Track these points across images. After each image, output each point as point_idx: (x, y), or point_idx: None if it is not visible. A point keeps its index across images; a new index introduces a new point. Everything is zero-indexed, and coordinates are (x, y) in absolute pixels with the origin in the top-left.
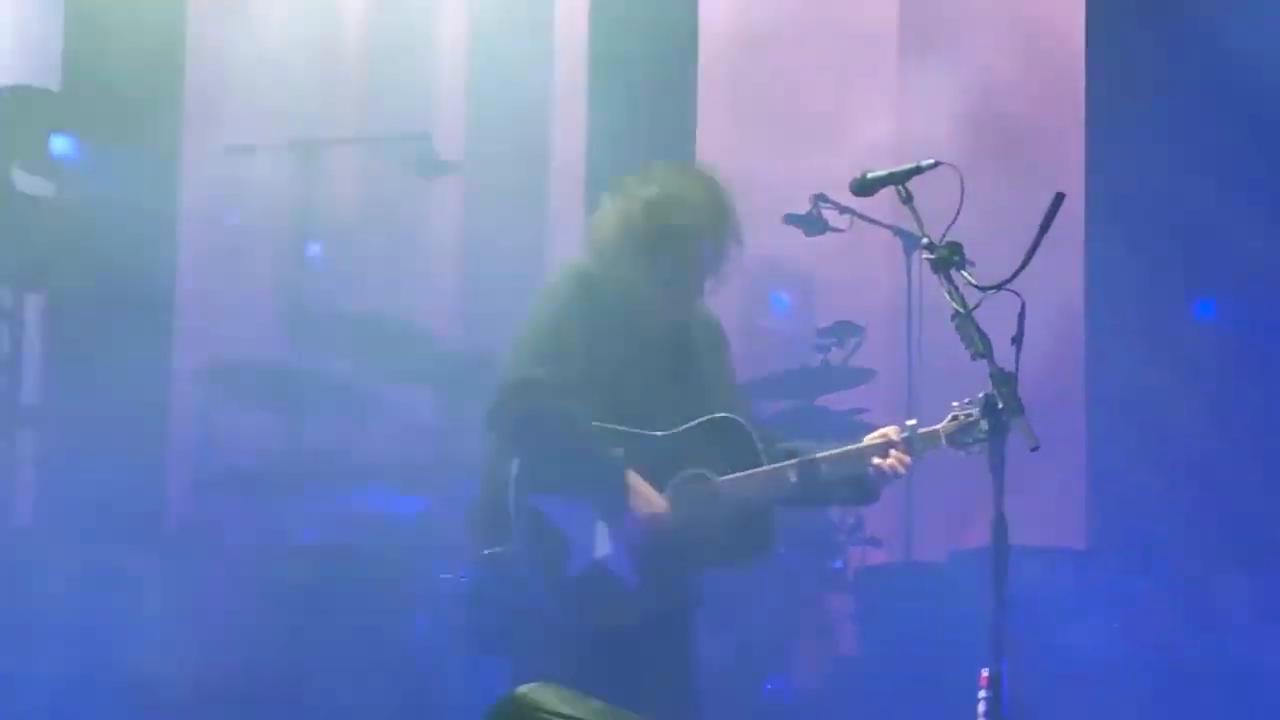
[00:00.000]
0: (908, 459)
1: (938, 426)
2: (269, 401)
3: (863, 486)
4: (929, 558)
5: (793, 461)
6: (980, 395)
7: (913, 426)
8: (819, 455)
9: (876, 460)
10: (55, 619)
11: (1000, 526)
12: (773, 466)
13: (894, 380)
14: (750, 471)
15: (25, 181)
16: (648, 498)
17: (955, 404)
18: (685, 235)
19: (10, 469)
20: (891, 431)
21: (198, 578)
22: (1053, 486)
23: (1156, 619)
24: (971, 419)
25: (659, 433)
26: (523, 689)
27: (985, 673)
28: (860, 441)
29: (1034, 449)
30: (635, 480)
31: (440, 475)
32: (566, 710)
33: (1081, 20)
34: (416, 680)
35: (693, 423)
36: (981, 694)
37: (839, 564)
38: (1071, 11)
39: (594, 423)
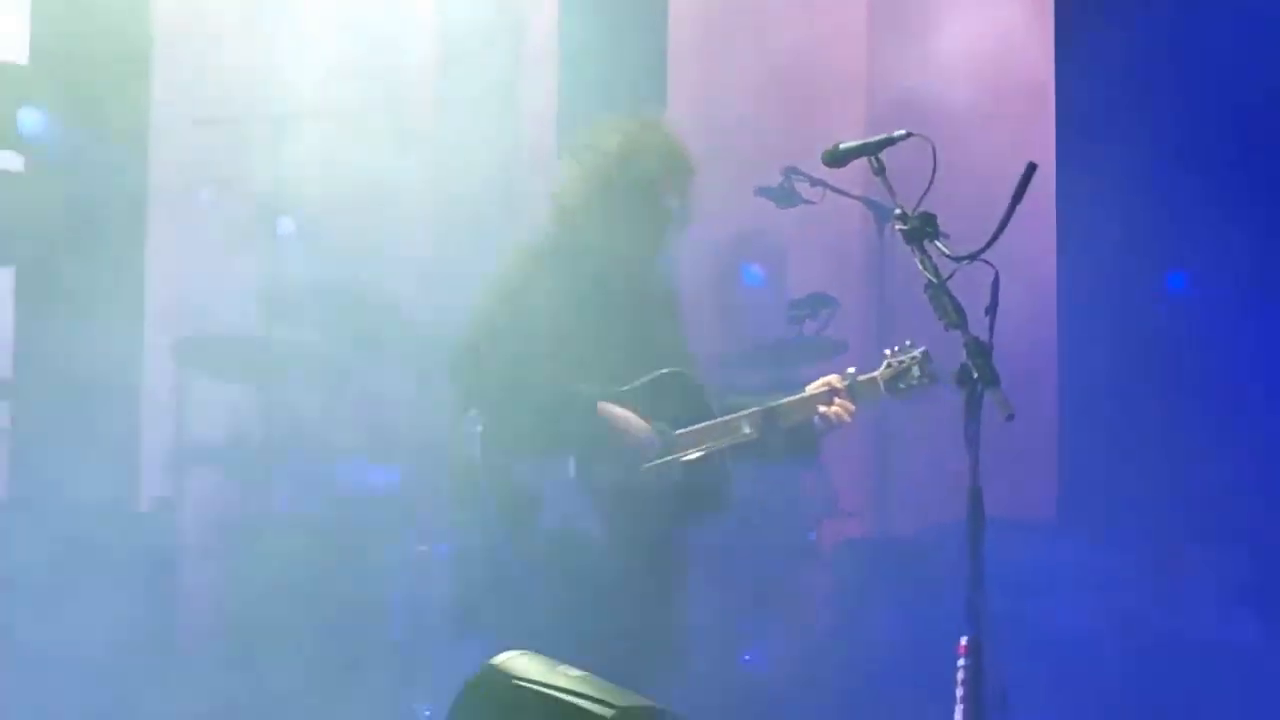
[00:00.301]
0: (851, 406)
1: (875, 373)
2: (241, 375)
3: (803, 443)
4: (903, 530)
5: (746, 412)
6: (907, 342)
7: (853, 374)
8: (770, 405)
9: (822, 408)
10: (27, 592)
11: (976, 499)
12: (728, 417)
13: (867, 351)
14: (707, 424)
15: None
16: (624, 418)
17: (887, 351)
18: (654, 183)
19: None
20: (834, 380)
21: (170, 551)
22: (1023, 458)
23: (1126, 591)
24: (904, 365)
25: (616, 388)
26: (500, 658)
27: (964, 641)
28: (805, 391)
29: (1009, 418)
30: (605, 407)
31: (413, 447)
32: (544, 679)
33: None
34: (394, 651)
35: (647, 377)
36: (961, 662)
37: (812, 536)
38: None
39: (560, 381)
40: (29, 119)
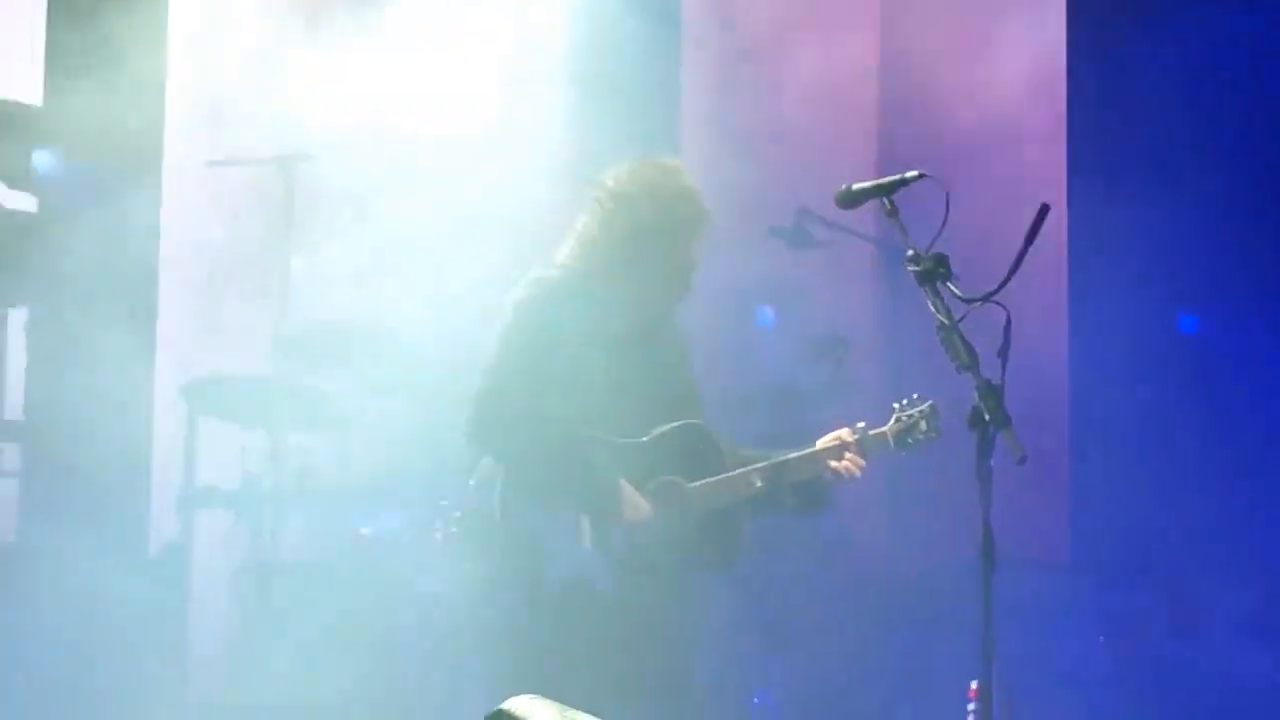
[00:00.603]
0: (862, 462)
1: (884, 428)
2: (251, 417)
3: (815, 495)
4: (914, 571)
5: (758, 465)
6: (915, 396)
7: (863, 429)
8: (780, 459)
9: (833, 463)
10: (41, 634)
11: (988, 539)
12: (739, 471)
13: (880, 392)
14: (720, 477)
15: (7, 197)
16: (635, 504)
17: (896, 405)
18: (676, 229)
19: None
20: (844, 434)
21: (181, 595)
22: (1037, 499)
23: (1140, 631)
24: (912, 419)
25: (631, 440)
26: (510, 703)
27: (974, 685)
28: (815, 446)
29: (1021, 461)
30: (624, 486)
31: (423, 489)
32: None
33: (1063, 36)
34: (404, 697)
35: (662, 429)
36: (971, 706)
37: (827, 576)
38: (1053, 27)
39: (577, 433)
40: (43, 160)
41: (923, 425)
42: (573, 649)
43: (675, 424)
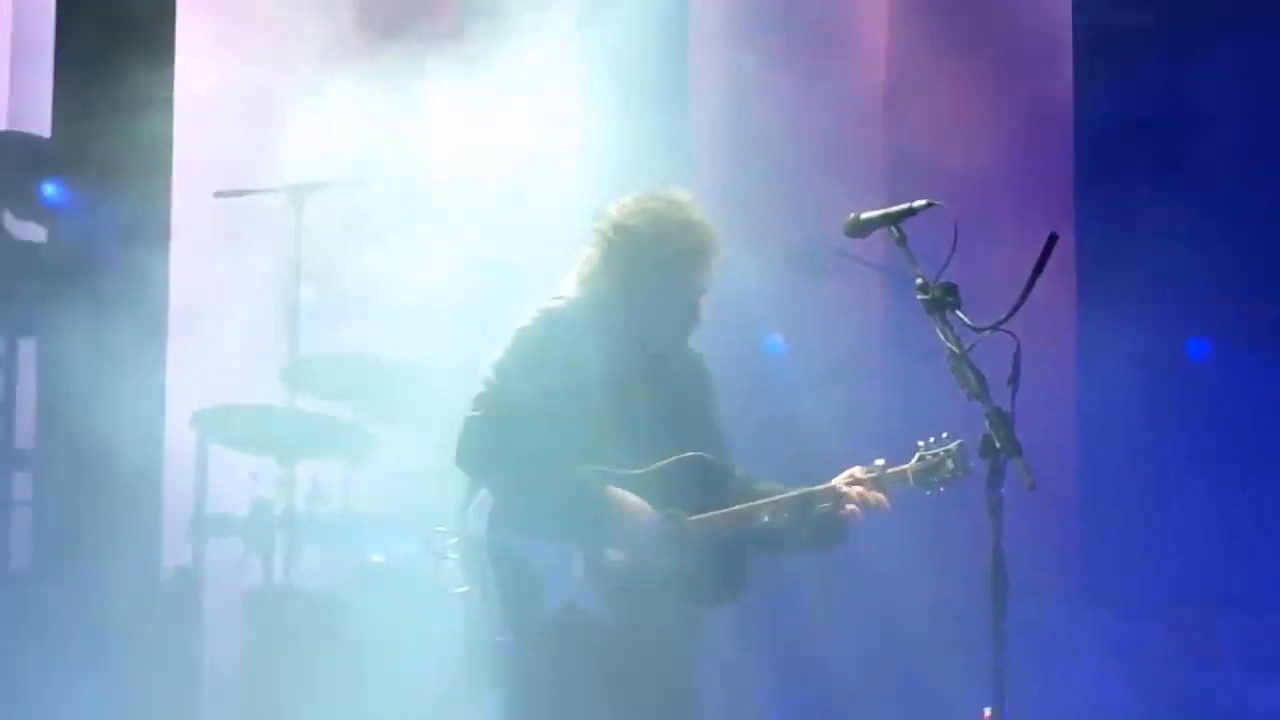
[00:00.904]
0: (884, 499)
1: (905, 466)
2: (261, 445)
3: (830, 530)
4: (927, 597)
5: (763, 502)
6: (944, 434)
7: (881, 466)
8: (787, 495)
9: (851, 506)
10: (53, 661)
11: (999, 566)
12: (743, 506)
13: (889, 422)
14: (722, 511)
15: (17, 227)
16: (631, 502)
17: (921, 443)
18: (681, 264)
19: (6, 514)
20: (858, 471)
21: (193, 621)
22: (1048, 527)
23: (1152, 660)
24: (938, 458)
25: (630, 471)
26: None
27: (988, 712)
28: (829, 483)
29: (1030, 488)
30: (612, 491)
31: (437, 518)
32: None
33: (1070, 67)
34: None
35: (664, 461)
36: None
37: (839, 603)
38: (1060, 59)
39: (569, 461)
40: (52, 190)
41: (949, 464)
42: (570, 681)
43: (679, 456)
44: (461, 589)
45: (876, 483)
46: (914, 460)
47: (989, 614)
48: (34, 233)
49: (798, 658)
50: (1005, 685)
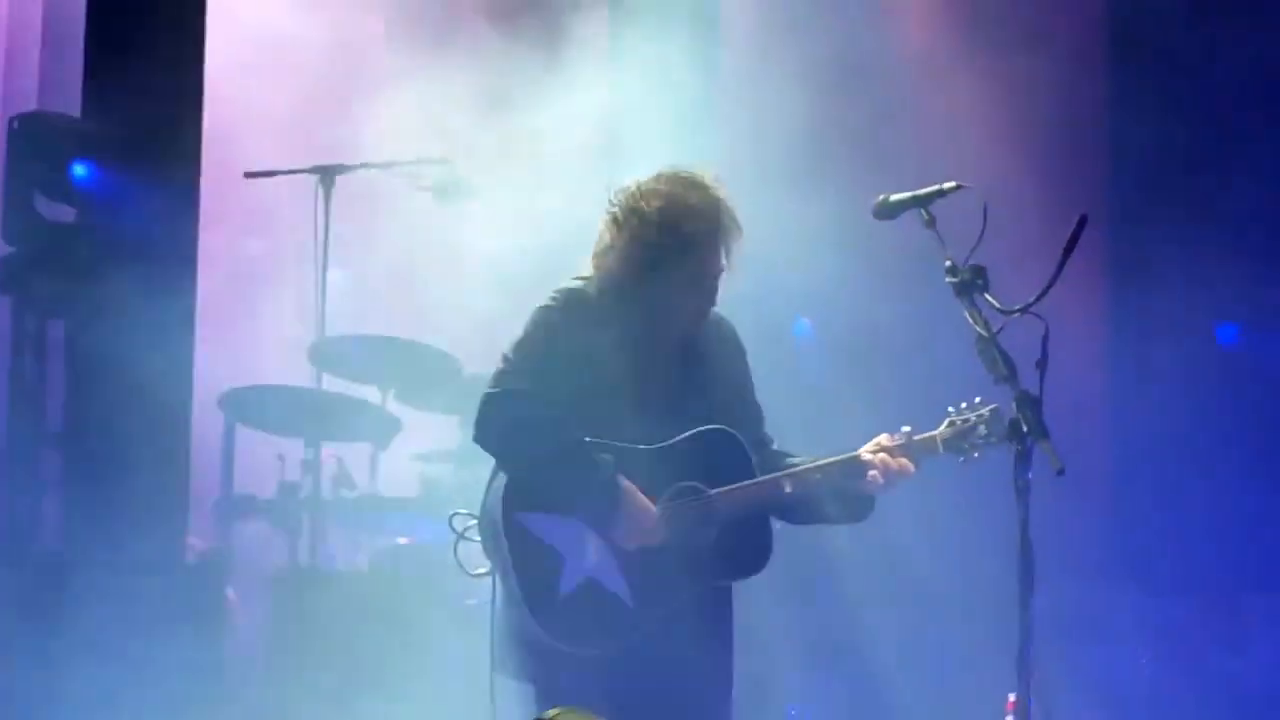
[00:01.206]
0: (908, 464)
1: (934, 432)
2: (289, 426)
3: (856, 501)
4: (952, 581)
5: (785, 472)
6: (977, 399)
7: (908, 433)
8: (812, 465)
9: (871, 472)
10: (81, 641)
11: (1026, 550)
12: (765, 478)
13: (913, 403)
14: (743, 483)
15: (47, 208)
16: (640, 504)
17: (951, 409)
18: (695, 246)
19: (36, 495)
20: (884, 439)
21: (219, 602)
22: (1075, 510)
23: (1181, 643)
24: (969, 423)
25: (646, 446)
26: (549, 714)
27: (1012, 697)
28: (856, 452)
29: (1060, 472)
30: (627, 486)
31: (461, 500)
32: None
33: (1103, 54)
34: (444, 705)
35: (683, 435)
36: (1008, 719)
37: (864, 588)
38: (1093, 50)
39: (585, 438)
40: (81, 171)
41: (981, 430)
42: (591, 659)
43: (699, 429)
44: (481, 570)
45: (903, 450)
46: (943, 426)
47: (1016, 598)
48: (64, 214)
49: (827, 640)
50: (1030, 672)
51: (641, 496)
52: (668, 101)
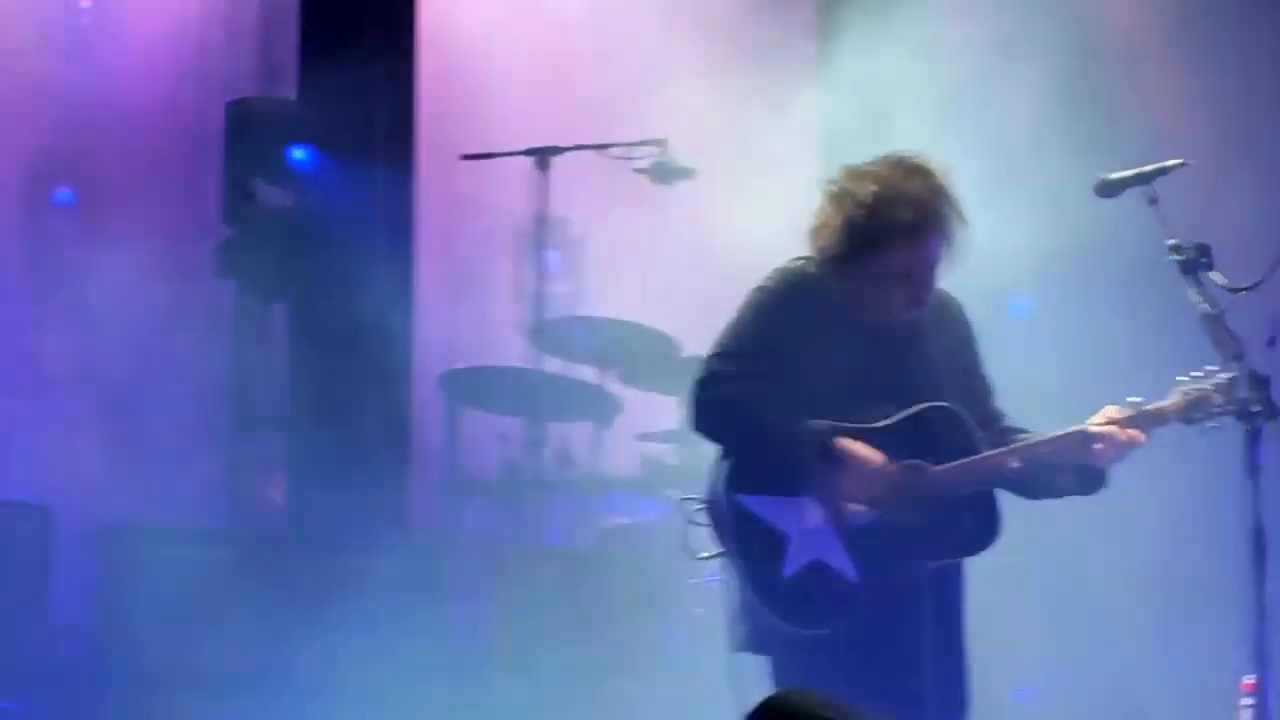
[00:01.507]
0: (1138, 434)
1: (1164, 403)
2: (510, 406)
3: (1088, 473)
4: (1183, 563)
5: (1011, 447)
6: (1206, 368)
7: (1137, 404)
8: (1038, 439)
9: (1098, 445)
10: (303, 623)
11: (1259, 532)
12: (991, 453)
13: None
14: (968, 460)
15: (266, 193)
16: (861, 451)
17: (1181, 378)
18: (909, 232)
19: (259, 476)
20: (1112, 410)
21: (442, 583)
22: None
23: None
24: (1203, 393)
25: (870, 425)
26: (780, 693)
27: (1248, 679)
28: (1084, 425)
29: None
30: (841, 441)
31: (684, 481)
32: (824, 715)
33: None
34: (670, 685)
35: (907, 412)
36: (1245, 701)
37: (1091, 570)
38: None
39: (800, 417)
40: (300, 156)
41: (1217, 399)
42: (822, 640)
43: (922, 406)
44: (708, 553)
45: (1131, 421)
46: (1174, 395)
47: (1249, 580)
48: (282, 198)
49: (1057, 623)
50: (1267, 653)
51: (860, 446)
52: (883, 87)
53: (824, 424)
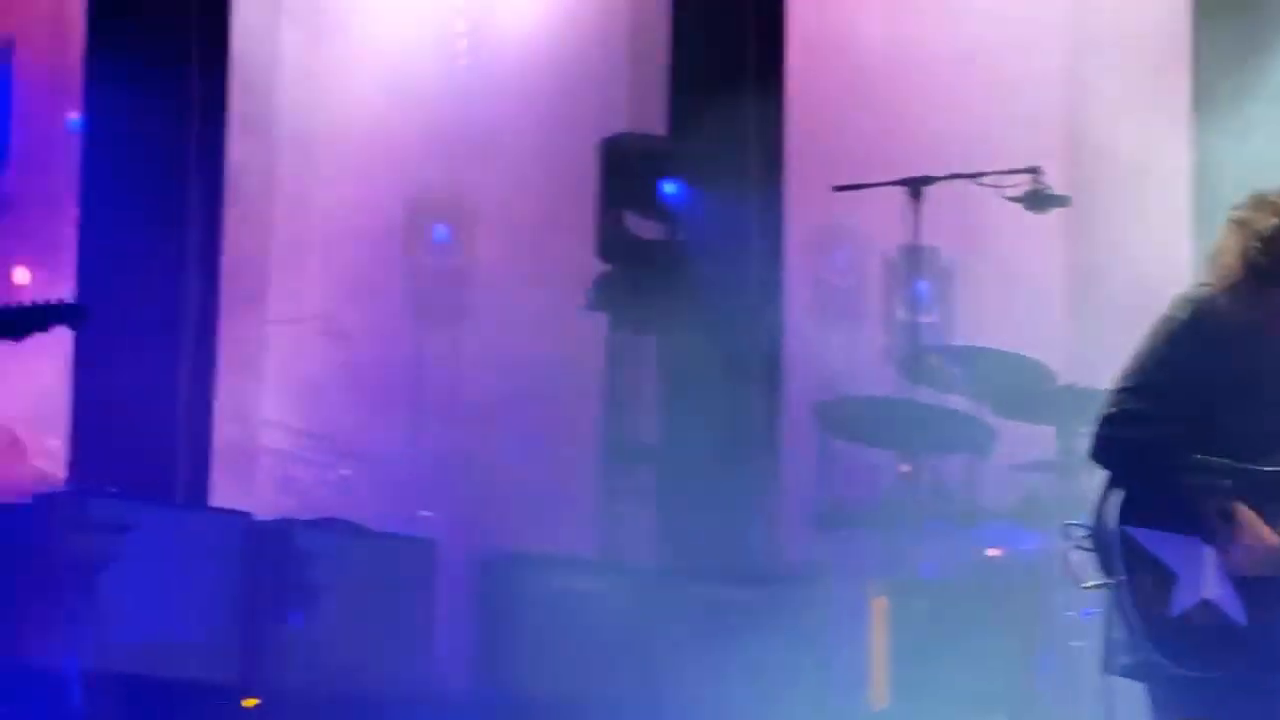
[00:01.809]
0: None
1: None
2: (881, 438)
3: None
4: None
5: None
6: None
7: None
8: None
9: None
10: (679, 655)
11: None
12: None
13: None
14: None
15: (638, 226)
16: (1256, 534)
17: None
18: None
19: (628, 506)
20: None
21: (821, 614)
22: None
23: None
24: None
25: (1265, 467)
26: None
27: None
28: None
29: None
30: (1243, 514)
31: (1061, 512)
32: None
33: None
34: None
35: None
36: None
37: None
38: None
39: (1198, 455)
40: (670, 189)
41: None
42: (1207, 680)
43: None
44: (1092, 583)
45: None
46: None
47: None
48: (653, 231)
49: None
50: None
51: (1259, 525)
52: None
53: (1224, 465)
